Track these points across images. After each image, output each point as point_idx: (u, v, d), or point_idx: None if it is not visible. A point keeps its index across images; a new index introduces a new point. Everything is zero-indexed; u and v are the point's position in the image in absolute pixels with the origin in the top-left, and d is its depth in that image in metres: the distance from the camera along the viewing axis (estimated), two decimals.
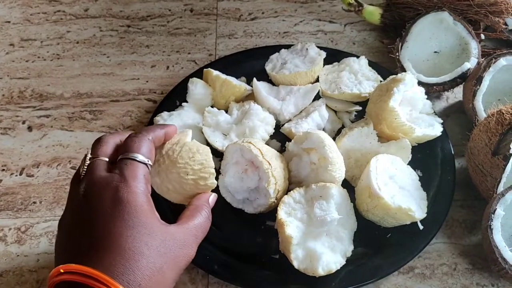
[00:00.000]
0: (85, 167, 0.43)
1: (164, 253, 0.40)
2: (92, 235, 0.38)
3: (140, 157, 0.42)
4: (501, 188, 0.53)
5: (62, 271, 0.37)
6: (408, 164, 0.59)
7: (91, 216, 0.39)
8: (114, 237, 0.38)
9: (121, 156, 0.43)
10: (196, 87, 0.65)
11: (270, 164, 0.53)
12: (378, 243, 0.56)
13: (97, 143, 0.45)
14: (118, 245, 0.38)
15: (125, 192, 0.40)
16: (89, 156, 0.43)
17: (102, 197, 0.40)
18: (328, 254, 0.51)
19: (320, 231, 0.52)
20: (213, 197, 0.49)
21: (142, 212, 0.40)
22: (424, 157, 0.62)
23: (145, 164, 0.43)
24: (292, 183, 0.59)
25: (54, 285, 0.38)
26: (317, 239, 0.52)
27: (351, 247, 0.53)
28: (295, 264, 0.51)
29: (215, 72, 0.66)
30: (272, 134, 0.63)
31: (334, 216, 0.52)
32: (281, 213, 0.53)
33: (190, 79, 0.66)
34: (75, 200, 0.42)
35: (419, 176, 0.59)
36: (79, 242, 0.39)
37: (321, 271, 0.50)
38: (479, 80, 0.62)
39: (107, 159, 0.43)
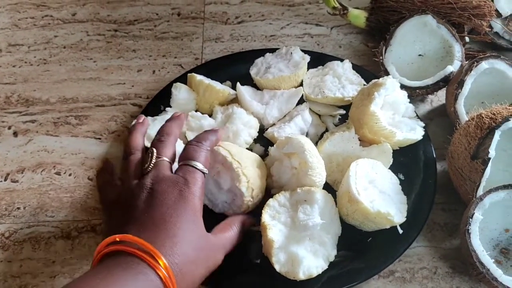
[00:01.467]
0: (152, 164, 0.50)
1: (201, 249, 0.46)
2: (153, 217, 0.45)
3: (199, 165, 0.50)
4: (480, 192, 0.53)
5: (118, 239, 0.43)
6: (390, 167, 0.59)
7: (156, 203, 0.46)
8: (170, 224, 0.45)
9: (184, 162, 0.50)
10: (180, 92, 0.66)
11: (239, 163, 0.54)
12: (359, 247, 0.56)
13: (161, 144, 0.53)
14: (171, 231, 0.45)
15: (187, 193, 0.47)
16: (155, 155, 0.51)
17: (168, 192, 0.47)
18: (310, 258, 0.52)
19: (303, 235, 0.53)
20: (246, 218, 0.55)
21: (195, 212, 0.47)
22: (406, 160, 0.62)
23: (203, 172, 0.50)
24: (274, 187, 0.60)
25: (105, 254, 0.43)
26: (300, 243, 0.52)
27: (334, 252, 0.53)
28: (277, 267, 0.51)
29: (199, 77, 0.66)
30: (256, 138, 0.64)
31: (316, 221, 0.52)
32: (265, 216, 0.53)
33: (174, 84, 0.67)
34: (138, 188, 0.49)
35: (401, 179, 0.59)
36: (139, 221, 0.45)
37: (301, 275, 0.50)
38: (461, 84, 0.62)
39: (169, 161, 0.52)
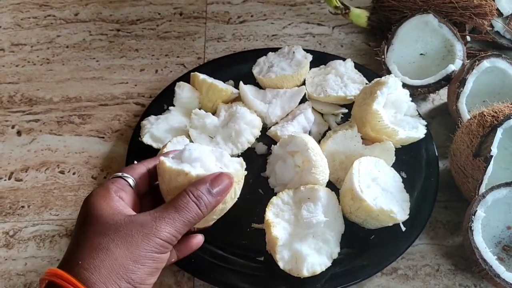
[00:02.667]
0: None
1: (112, 233, 0.41)
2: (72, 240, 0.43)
3: (118, 173, 0.46)
4: (482, 189, 0.53)
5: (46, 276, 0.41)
6: (392, 165, 0.60)
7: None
8: (73, 240, 0.42)
9: None
10: (183, 91, 0.66)
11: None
12: (362, 244, 0.56)
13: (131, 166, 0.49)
14: (72, 245, 0.42)
15: (85, 203, 0.44)
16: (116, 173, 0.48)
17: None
18: (314, 255, 0.52)
19: (306, 233, 0.53)
20: (220, 181, 0.45)
21: (88, 213, 0.43)
22: (408, 158, 0.62)
23: (119, 177, 0.46)
24: (277, 186, 0.60)
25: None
26: (304, 241, 0.52)
27: (338, 249, 0.53)
28: (281, 264, 0.51)
29: (202, 76, 0.66)
30: (259, 137, 0.64)
31: (320, 219, 0.52)
32: (269, 214, 0.54)
33: (177, 83, 0.67)
34: None
35: (403, 177, 0.60)
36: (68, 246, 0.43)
37: (305, 272, 0.51)
38: (463, 82, 0.62)
39: (124, 177, 0.47)
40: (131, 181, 0.46)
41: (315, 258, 0.52)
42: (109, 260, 0.40)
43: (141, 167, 0.48)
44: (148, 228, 0.41)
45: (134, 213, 0.43)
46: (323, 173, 0.56)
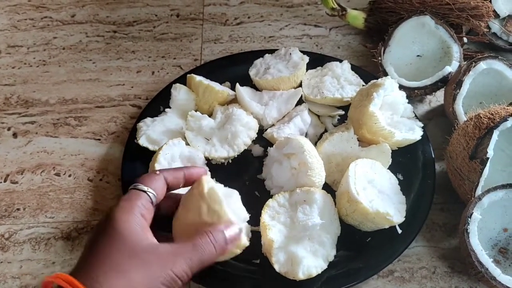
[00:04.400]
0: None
1: (133, 257, 0.41)
2: (85, 252, 0.43)
3: (139, 185, 0.46)
4: (478, 192, 0.53)
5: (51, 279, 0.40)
6: (389, 167, 0.60)
7: (91, 236, 0.44)
8: (87, 251, 0.42)
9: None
10: (179, 93, 0.66)
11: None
12: (358, 247, 0.56)
13: (148, 175, 0.48)
14: (89, 257, 0.41)
15: (107, 218, 0.43)
16: (134, 184, 0.47)
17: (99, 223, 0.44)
18: (310, 258, 0.52)
19: (302, 235, 0.53)
20: (233, 229, 0.47)
21: (115, 233, 0.42)
22: (405, 160, 0.62)
23: (143, 191, 0.46)
24: (273, 188, 0.60)
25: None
26: (299, 243, 0.52)
27: (334, 252, 0.53)
28: (276, 267, 0.51)
29: (198, 78, 0.66)
30: (255, 139, 0.64)
31: (316, 221, 0.52)
32: (265, 217, 0.54)
33: (173, 85, 0.67)
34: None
35: (400, 179, 0.60)
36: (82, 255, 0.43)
37: (301, 275, 0.50)
38: (459, 84, 0.62)
39: (145, 190, 0.46)
40: (153, 198, 0.46)
41: (311, 260, 0.52)
42: (125, 283, 0.40)
43: (161, 180, 0.48)
44: (166, 260, 0.42)
45: (155, 240, 0.44)
46: (319, 176, 0.56)
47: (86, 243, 0.44)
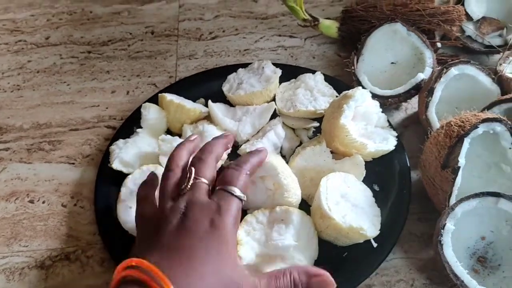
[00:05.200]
0: (189, 186, 0.47)
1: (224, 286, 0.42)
2: (179, 247, 0.43)
3: (237, 191, 0.47)
4: (452, 201, 0.53)
5: (134, 264, 0.40)
6: (365, 178, 0.59)
7: (185, 232, 0.44)
8: (194, 258, 0.42)
9: (221, 186, 0.48)
10: (149, 112, 0.65)
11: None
12: (335, 262, 0.55)
13: (201, 163, 0.49)
14: (194, 265, 0.42)
15: (219, 223, 0.44)
16: (193, 175, 0.48)
17: (200, 221, 0.44)
18: None
19: (274, 255, 0.52)
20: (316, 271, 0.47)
21: (226, 245, 0.44)
22: (381, 171, 0.61)
23: (240, 199, 0.47)
24: (249, 209, 0.59)
25: (122, 278, 0.41)
26: (270, 263, 0.51)
27: None
28: None
29: (169, 97, 0.66)
30: (229, 155, 0.63)
31: (287, 243, 0.51)
32: (240, 232, 0.53)
33: (143, 104, 0.66)
34: (172, 211, 0.46)
35: (376, 190, 0.59)
36: (165, 248, 0.43)
37: None
38: (431, 92, 0.61)
39: (207, 183, 0.48)
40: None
41: None
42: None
43: (248, 178, 0.50)
44: None
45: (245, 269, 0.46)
46: (295, 195, 0.55)
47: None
